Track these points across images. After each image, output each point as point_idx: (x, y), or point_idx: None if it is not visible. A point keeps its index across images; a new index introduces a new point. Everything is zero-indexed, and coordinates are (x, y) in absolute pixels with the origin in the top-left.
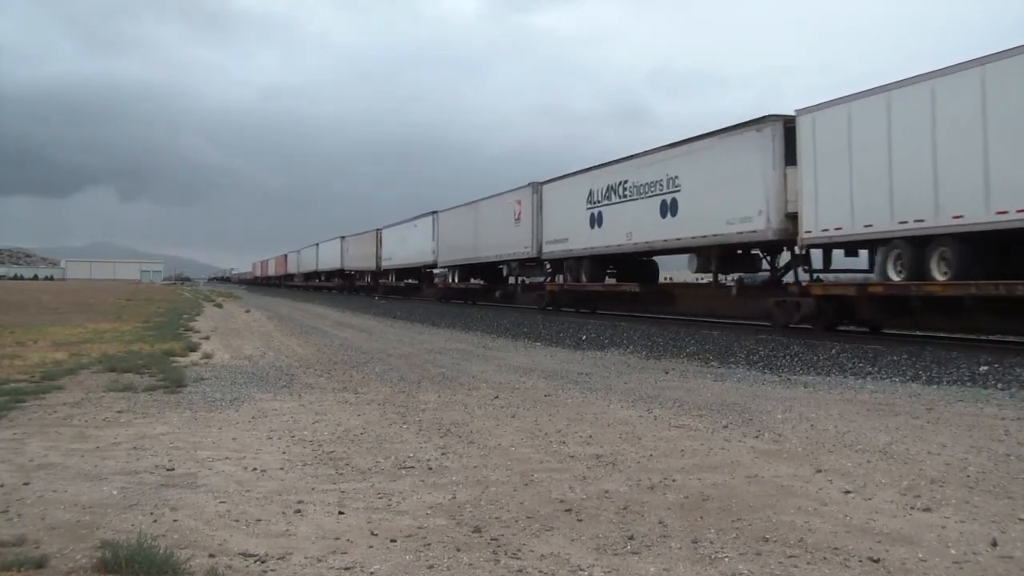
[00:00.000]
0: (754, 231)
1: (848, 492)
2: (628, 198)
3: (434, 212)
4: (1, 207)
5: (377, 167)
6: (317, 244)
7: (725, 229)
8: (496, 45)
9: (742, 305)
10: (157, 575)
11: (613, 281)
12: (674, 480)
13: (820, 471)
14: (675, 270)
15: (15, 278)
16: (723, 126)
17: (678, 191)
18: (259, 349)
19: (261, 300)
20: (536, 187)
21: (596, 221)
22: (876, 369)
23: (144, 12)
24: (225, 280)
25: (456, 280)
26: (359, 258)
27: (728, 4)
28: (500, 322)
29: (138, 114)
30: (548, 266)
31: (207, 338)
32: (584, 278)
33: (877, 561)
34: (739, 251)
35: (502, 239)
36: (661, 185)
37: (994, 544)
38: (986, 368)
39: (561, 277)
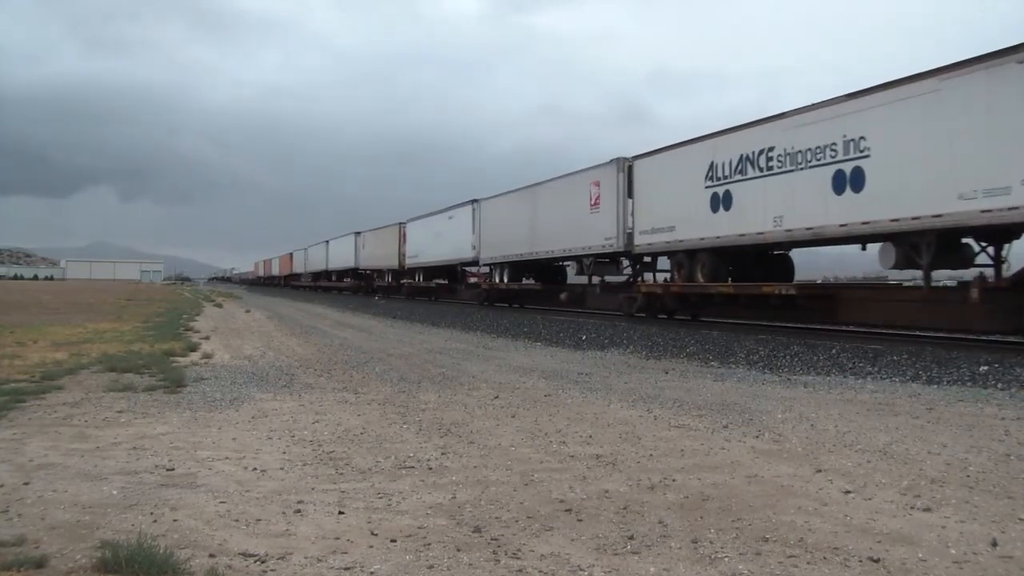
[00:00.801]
0: (1016, 207)
1: (848, 492)
2: (775, 171)
3: (474, 200)
4: (1, 207)
5: (377, 168)
6: (327, 241)
7: (956, 207)
8: (497, 46)
9: (978, 314)
10: (157, 575)
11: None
12: (674, 480)
13: (820, 471)
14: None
15: (15, 278)
16: (944, 64)
17: (864, 156)
18: (259, 349)
19: (261, 300)
20: (622, 164)
21: (722, 203)
22: (876, 369)
23: (144, 12)
24: (226, 280)
25: (504, 279)
26: (378, 256)
27: (728, 4)
28: (500, 322)
29: (138, 114)
30: (626, 263)
31: (207, 338)
32: (700, 277)
33: (877, 561)
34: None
35: (571, 230)
36: (834, 150)
37: (994, 544)
38: (986, 368)
39: (651, 275)
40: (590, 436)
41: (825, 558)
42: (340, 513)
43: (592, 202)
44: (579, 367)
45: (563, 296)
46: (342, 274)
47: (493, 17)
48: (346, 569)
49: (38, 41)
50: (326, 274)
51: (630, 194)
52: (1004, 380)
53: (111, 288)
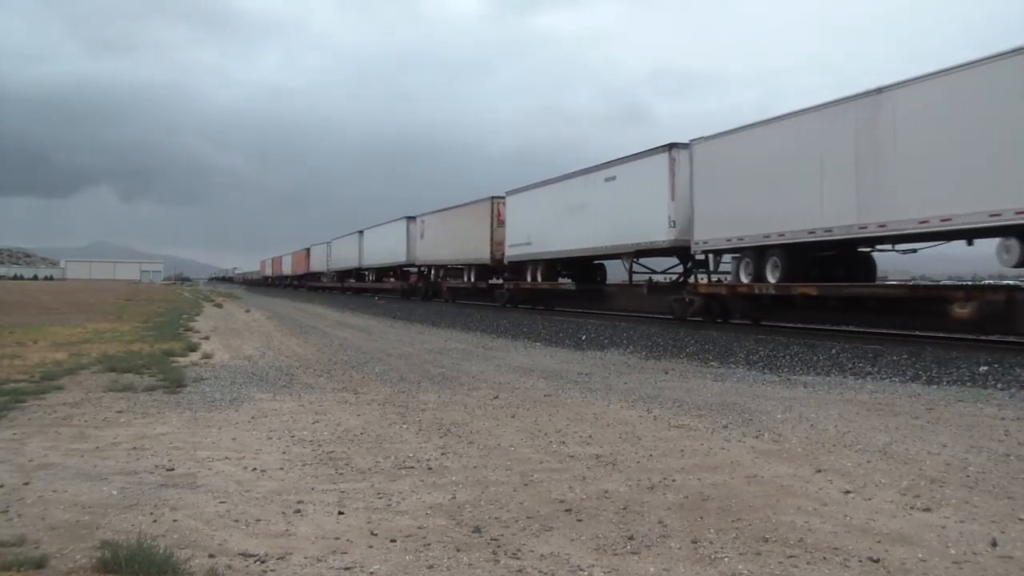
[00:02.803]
0: None
1: (848, 492)
2: None
3: (672, 145)
4: (1, 207)
5: (377, 168)
6: (361, 231)
7: None
8: (497, 46)
9: None
10: (157, 575)
11: None
12: (674, 480)
13: (820, 471)
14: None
15: (15, 278)
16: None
17: None
18: (259, 349)
19: (261, 300)
20: None
21: None
22: (876, 369)
23: (145, 13)
24: (227, 280)
25: (770, 277)
26: (448, 247)
27: (728, 4)
28: (500, 322)
29: (138, 114)
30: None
31: (207, 338)
32: None
33: (877, 561)
34: None
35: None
36: None
37: (994, 544)
38: (986, 368)
39: None
40: (590, 436)
41: (825, 558)
42: (340, 513)
43: None
44: (579, 367)
45: (961, 308)
46: (384, 272)
47: (493, 17)
48: (346, 569)
49: (39, 41)
50: (358, 273)
51: None
52: (1004, 380)
53: (111, 288)
